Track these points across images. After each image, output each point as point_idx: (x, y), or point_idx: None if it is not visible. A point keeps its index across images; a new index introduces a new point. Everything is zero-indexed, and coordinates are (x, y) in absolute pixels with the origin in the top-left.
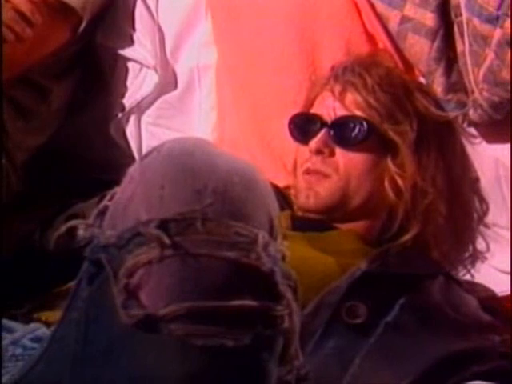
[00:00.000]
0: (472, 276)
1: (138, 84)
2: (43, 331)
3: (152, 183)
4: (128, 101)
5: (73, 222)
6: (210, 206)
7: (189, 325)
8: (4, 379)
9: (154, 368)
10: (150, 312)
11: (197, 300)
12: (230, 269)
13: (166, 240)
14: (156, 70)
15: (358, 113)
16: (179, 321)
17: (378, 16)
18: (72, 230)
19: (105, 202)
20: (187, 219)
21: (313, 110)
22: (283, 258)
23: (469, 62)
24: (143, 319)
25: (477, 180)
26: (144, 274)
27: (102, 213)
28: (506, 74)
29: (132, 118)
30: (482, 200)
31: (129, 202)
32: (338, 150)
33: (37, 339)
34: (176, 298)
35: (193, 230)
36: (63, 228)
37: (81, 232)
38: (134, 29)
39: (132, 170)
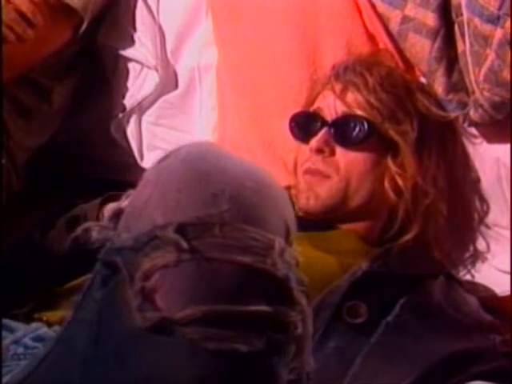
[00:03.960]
0: (473, 276)
1: (139, 84)
2: (45, 331)
3: (169, 187)
4: (129, 101)
5: (88, 224)
6: (226, 211)
7: (203, 328)
8: (7, 378)
9: (166, 370)
10: (165, 315)
11: (212, 304)
12: (245, 274)
13: (184, 244)
14: (157, 70)
15: (359, 112)
16: (194, 324)
17: (379, 16)
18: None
19: (119, 204)
20: (204, 223)
21: (313, 109)
22: (297, 263)
23: (470, 61)
24: (158, 322)
25: (478, 180)
26: (160, 277)
27: (116, 215)
28: (506, 74)
29: (133, 118)
30: (483, 200)
31: (145, 205)
32: (339, 150)
33: (38, 339)
34: (191, 301)
35: (210, 235)
36: (79, 230)
37: (94, 234)
38: (134, 29)
39: (148, 174)
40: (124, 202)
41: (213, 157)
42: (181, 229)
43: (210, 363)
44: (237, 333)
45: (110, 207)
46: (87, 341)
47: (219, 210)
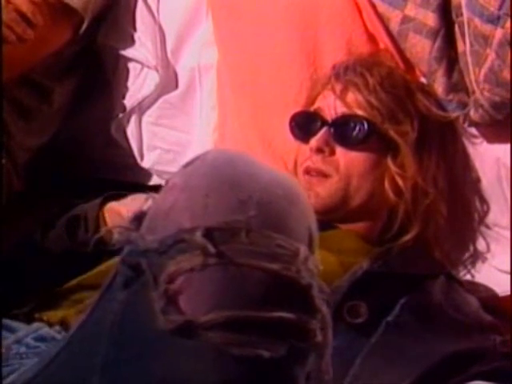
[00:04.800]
0: (472, 276)
1: (139, 84)
2: (46, 331)
3: (196, 191)
4: (129, 101)
5: (111, 226)
6: (254, 217)
7: (227, 333)
8: (12, 377)
9: (189, 374)
10: (189, 318)
11: (236, 309)
12: (270, 280)
13: (211, 248)
14: (157, 70)
15: (360, 112)
16: (218, 329)
17: (379, 16)
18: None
19: (142, 207)
20: (232, 229)
21: (313, 109)
22: (318, 271)
23: (470, 61)
24: (182, 325)
25: (478, 180)
26: (184, 280)
27: (137, 218)
28: (506, 74)
29: (133, 118)
30: (483, 200)
31: (171, 208)
32: (339, 149)
33: (40, 338)
34: (216, 306)
35: (237, 240)
36: (103, 230)
37: (116, 235)
38: (135, 29)
39: (175, 178)
40: (146, 205)
41: (243, 164)
42: (208, 233)
43: (232, 368)
44: (260, 339)
45: (111, 206)
46: (108, 342)
47: (246, 216)
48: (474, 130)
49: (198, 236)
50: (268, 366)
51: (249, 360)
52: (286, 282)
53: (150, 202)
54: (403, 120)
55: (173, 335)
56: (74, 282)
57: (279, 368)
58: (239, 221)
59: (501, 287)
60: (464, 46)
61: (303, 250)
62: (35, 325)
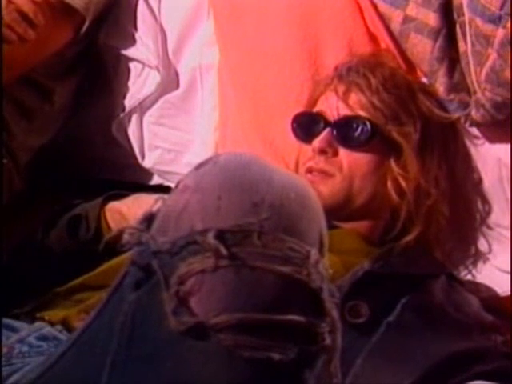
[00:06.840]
0: (473, 276)
1: (140, 84)
2: (49, 330)
3: (209, 193)
4: (130, 100)
5: (122, 227)
6: (266, 220)
7: (237, 335)
8: (15, 376)
9: (199, 376)
10: (200, 320)
11: (248, 311)
12: (281, 283)
13: (223, 250)
14: (158, 70)
15: (362, 113)
16: (228, 331)
17: (381, 16)
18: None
19: (150, 208)
20: (244, 231)
21: (316, 110)
22: (328, 275)
23: (471, 61)
24: (193, 327)
25: (480, 181)
26: (196, 282)
27: (147, 219)
28: (508, 74)
29: (134, 118)
30: (485, 201)
31: (183, 210)
32: (342, 150)
33: (42, 337)
34: (227, 308)
35: (249, 243)
36: (115, 231)
37: (126, 236)
38: (136, 29)
39: (186, 179)
40: (155, 206)
41: (256, 166)
42: (220, 235)
43: (242, 370)
44: (270, 341)
45: (112, 206)
46: (118, 342)
47: (258, 218)
48: (475, 131)
49: (210, 238)
50: (278, 369)
51: (259, 362)
52: (297, 285)
53: (159, 203)
54: (406, 121)
55: (183, 337)
56: (75, 282)
57: (289, 371)
58: (251, 223)
59: (501, 287)
60: (465, 46)
61: (314, 253)
62: (37, 324)
